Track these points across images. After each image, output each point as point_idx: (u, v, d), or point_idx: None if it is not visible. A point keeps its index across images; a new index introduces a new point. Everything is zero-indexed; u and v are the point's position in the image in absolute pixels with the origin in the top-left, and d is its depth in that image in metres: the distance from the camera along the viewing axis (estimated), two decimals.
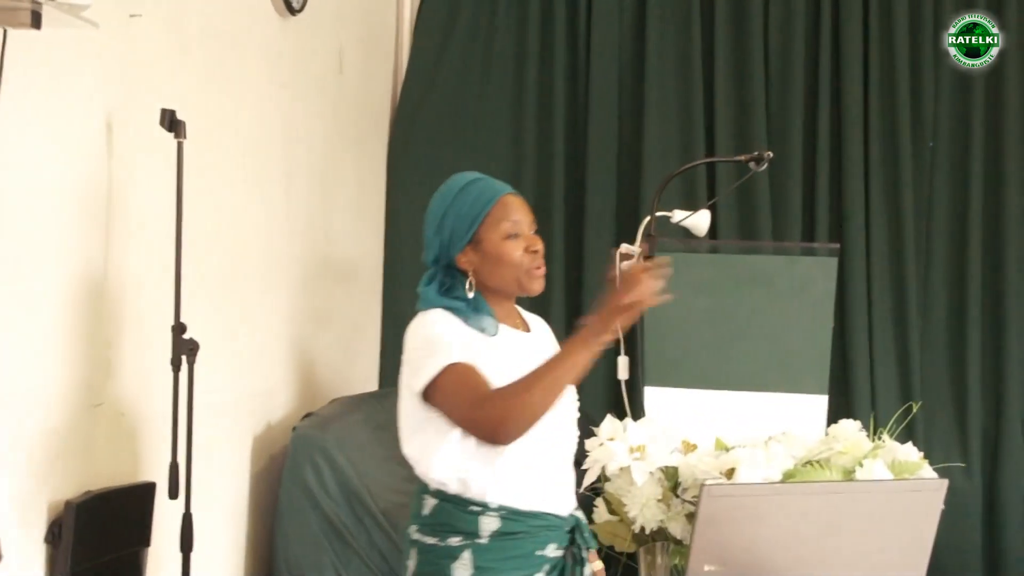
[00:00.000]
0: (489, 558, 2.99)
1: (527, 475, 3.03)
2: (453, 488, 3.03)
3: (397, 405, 3.19)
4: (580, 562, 3.10)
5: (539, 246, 3.12)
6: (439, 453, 3.04)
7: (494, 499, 3.00)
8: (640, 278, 2.88)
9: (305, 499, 4.96)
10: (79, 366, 3.94)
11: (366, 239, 6.46)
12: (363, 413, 5.38)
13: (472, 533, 3.00)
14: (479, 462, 3.01)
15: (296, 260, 5.63)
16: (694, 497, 4.22)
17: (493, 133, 6.61)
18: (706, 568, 2.18)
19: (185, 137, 3.92)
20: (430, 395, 3.00)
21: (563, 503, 3.11)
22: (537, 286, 3.12)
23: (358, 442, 5.11)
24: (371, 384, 6.36)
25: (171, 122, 3.88)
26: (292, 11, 5.37)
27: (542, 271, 3.11)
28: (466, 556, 2.99)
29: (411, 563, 3.16)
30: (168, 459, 3.97)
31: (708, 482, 3.11)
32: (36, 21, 3.16)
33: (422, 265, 6.19)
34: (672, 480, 4.37)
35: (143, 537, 4.11)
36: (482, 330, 3.06)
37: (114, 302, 4.10)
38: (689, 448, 4.44)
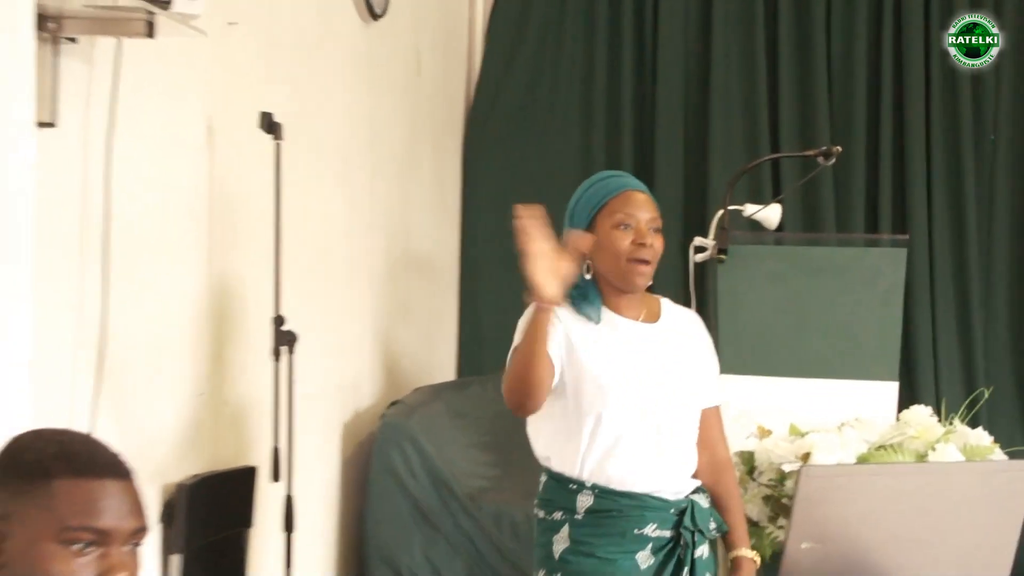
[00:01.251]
0: (584, 533, 3.02)
1: (619, 457, 3.05)
2: (555, 467, 3.09)
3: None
4: (690, 545, 3.07)
5: (649, 241, 3.06)
6: (540, 433, 3.12)
7: (588, 478, 3.04)
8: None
9: (393, 483, 5.05)
10: (186, 358, 4.05)
11: (443, 234, 6.54)
12: (444, 402, 5.46)
13: (570, 509, 3.04)
14: (567, 442, 3.06)
15: (379, 255, 5.72)
16: (770, 480, 4.29)
17: (563, 130, 6.65)
18: (803, 545, 2.23)
19: (282, 139, 4.01)
20: None
21: (667, 485, 3.08)
22: (637, 280, 3.08)
23: (441, 429, 5.19)
24: (449, 374, 6.45)
25: (269, 124, 3.97)
26: (374, 16, 5.48)
27: (644, 268, 3.06)
28: (565, 530, 3.04)
29: (535, 535, 3.18)
30: (267, 444, 4.08)
31: (807, 465, 3.13)
32: (150, 31, 3.27)
33: (496, 258, 6.33)
34: (748, 464, 4.43)
35: (246, 518, 4.21)
36: (587, 317, 3.08)
37: (217, 296, 4.21)
38: (764, 433, 4.49)
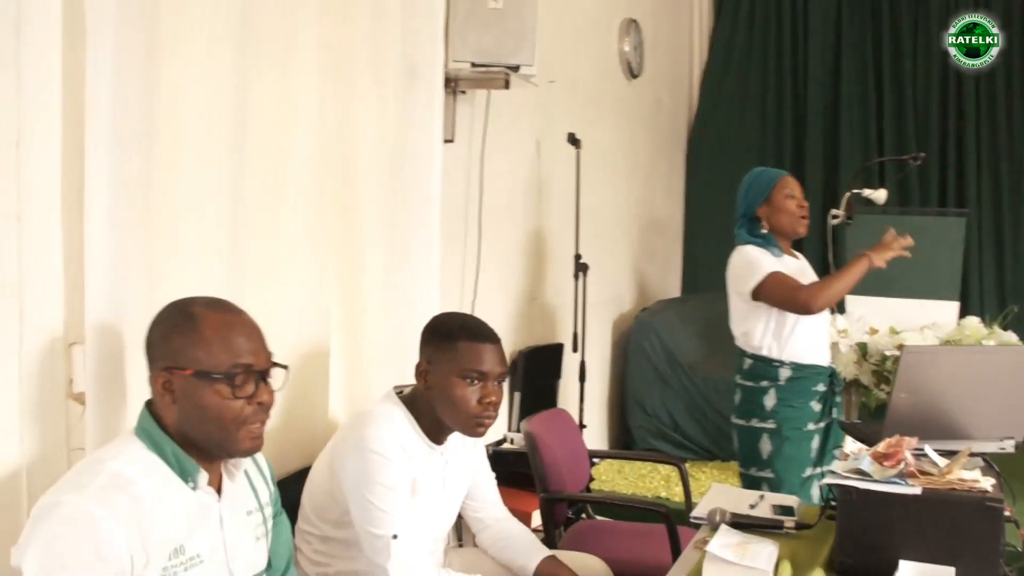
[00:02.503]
0: (785, 392, 2.95)
1: (806, 342, 2.97)
2: (764, 352, 2.97)
3: (728, 303, 3.09)
4: (834, 395, 3.03)
5: (806, 206, 3.03)
6: (753, 329, 2.98)
7: (787, 358, 2.95)
8: (890, 242, 2.93)
9: (642, 357, 5.06)
10: (524, 278, 4.19)
11: (672, 208, 6.47)
12: (674, 309, 5.41)
13: (775, 378, 2.95)
14: (777, 336, 2.96)
15: (635, 220, 5.72)
16: (876, 361, 4.18)
17: (745, 142, 6.47)
18: (902, 395, 2.18)
19: (580, 149, 4.08)
20: (758, 293, 2.90)
21: (825, 357, 3.03)
22: (800, 230, 3.02)
23: (672, 325, 5.16)
24: (676, 292, 6.40)
25: (573, 140, 4.05)
26: (633, 76, 5.47)
27: (807, 221, 3.02)
28: (772, 392, 2.96)
29: (737, 398, 3.05)
30: (569, 330, 4.17)
31: (907, 344, 3.05)
32: (507, 84, 3.38)
33: (705, 223, 6.28)
34: (863, 350, 4.32)
35: (557, 372, 4.32)
36: (774, 255, 2.97)
37: (541, 242, 4.33)
38: (873, 331, 4.36)
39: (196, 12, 2.02)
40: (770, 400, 2.97)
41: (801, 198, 3.04)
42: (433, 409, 2.09)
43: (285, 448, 2.38)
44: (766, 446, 2.98)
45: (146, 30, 1.87)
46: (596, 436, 4.99)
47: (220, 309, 1.55)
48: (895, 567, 1.78)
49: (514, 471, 3.30)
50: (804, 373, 2.97)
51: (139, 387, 1.82)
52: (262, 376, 1.53)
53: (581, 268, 4.10)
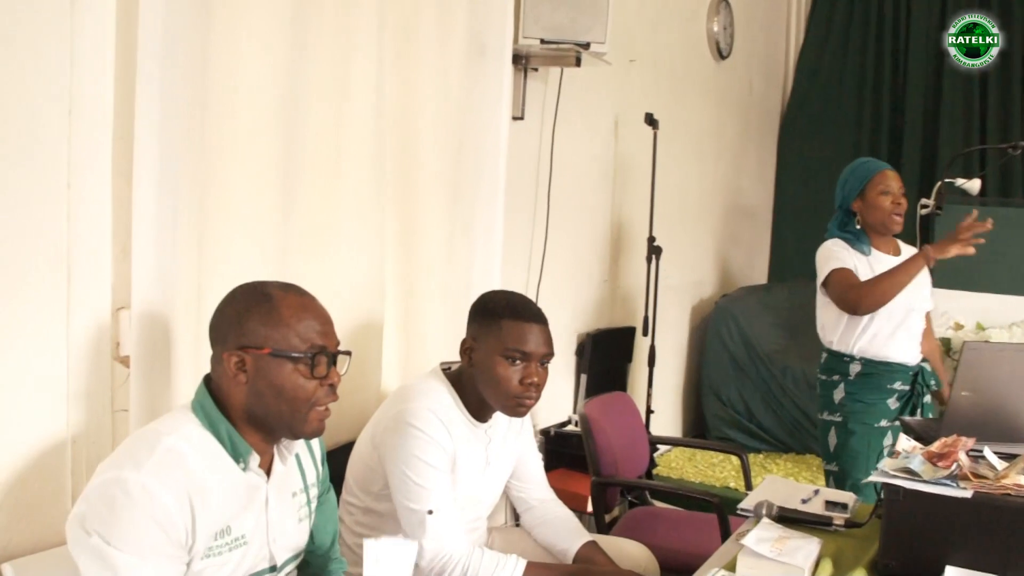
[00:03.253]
0: (854, 387, 2.89)
1: (883, 338, 2.87)
2: (835, 346, 2.91)
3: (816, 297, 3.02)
4: (919, 395, 2.92)
5: (903, 203, 2.91)
6: (828, 323, 2.93)
7: (858, 353, 2.88)
8: (957, 235, 2.75)
9: (720, 345, 4.97)
10: (595, 261, 4.15)
11: (761, 192, 6.31)
12: (756, 296, 5.30)
13: (845, 373, 2.90)
14: (849, 330, 2.88)
15: (720, 204, 5.60)
16: (956, 355, 4.02)
17: (838, 125, 6.24)
18: (963, 393, 2.08)
19: (658, 129, 4.00)
20: (825, 287, 2.88)
21: (909, 355, 2.91)
22: (894, 228, 2.92)
23: (753, 313, 5.06)
24: (762, 279, 6.26)
25: (651, 120, 3.97)
26: (722, 57, 5.34)
27: (901, 219, 2.91)
28: (841, 386, 2.90)
29: (818, 391, 3.01)
30: (641, 314, 4.10)
31: (967, 340, 2.91)
32: (577, 62, 3.33)
33: (796, 207, 6.10)
34: (947, 346, 4.17)
35: (628, 356, 4.28)
36: (861, 252, 2.89)
37: (615, 225, 4.27)
38: (958, 327, 4.20)
39: None
40: (839, 394, 2.93)
41: (898, 194, 2.92)
42: (477, 387, 2.08)
43: (335, 420, 2.34)
44: (832, 439, 2.94)
45: None
46: (668, 422, 4.92)
47: (295, 292, 1.57)
48: (941, 573, 1.69)
49: (577, 453, 3.28)
50: (876, 370, 2.89)
51: (184, 352, 1.87)
52: (333, 359, 1.56)
53: (654, 251, 4.01)
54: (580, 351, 3.94)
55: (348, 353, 1.62)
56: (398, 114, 2.58)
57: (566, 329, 3.86)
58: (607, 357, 4.08)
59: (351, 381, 2.46)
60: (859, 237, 2.92)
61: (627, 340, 4.23)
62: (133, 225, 1.78)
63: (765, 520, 2.00)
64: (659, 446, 4.12)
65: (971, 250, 2.76)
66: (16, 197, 1.64)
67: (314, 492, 1.71)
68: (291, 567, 1.64)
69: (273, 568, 1.58)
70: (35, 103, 1.65)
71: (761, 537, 1.86)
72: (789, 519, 2.05)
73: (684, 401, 5.19)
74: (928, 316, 3.07)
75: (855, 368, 2.90)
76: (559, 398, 3.85)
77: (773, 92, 6.37)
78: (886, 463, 1.85)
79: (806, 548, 1.83)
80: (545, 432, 3.66)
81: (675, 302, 4.89)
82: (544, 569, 2.08)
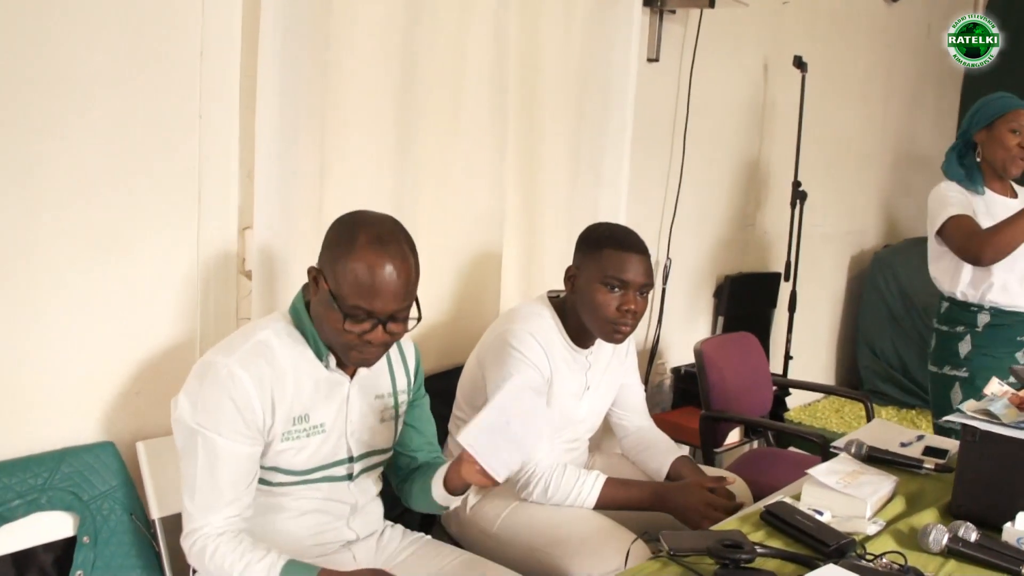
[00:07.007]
0: (982, 340, 2.73)
1: (1009, 286, 2.71)
2: (960, 296, 2.76)
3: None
4: None
5: None
6: (949, 272, 2.77)
7: (987, 303, 2.72)
8: None
9: (877, 296, 4.80)
10: (739, 204, 4.06)
11: (939, 142, 5.85)
12: (918, 249, 4.91)
13: (972, 324, 2.74)
14: (977, 279, 2.72)
15: (890, 152, 5.30)
16: None
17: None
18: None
19: (807, 72, 3.86)
20: (941, 235, 2.70)
21: None
22: (1016, 171, 2.72)
23: (914, 265, 4.80)
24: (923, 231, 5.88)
25: (799, 63, 3.83)
26: (894, 0, 5.04)
27: (1021, 163, 2.71)
28: (967, 338, 2.75)
29: (932, 343, 2.87)
30: (783, 259, 3.97)
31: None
32: (711, 3, 3.24)
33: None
34: None
35: (772, 301, 4.19)
36: (975, 191, 2.72)
37: (764, 166, 4.15)
38: None
39: None
40: (965, 346, 2.75)
41: None
42: (578, 313, 2.13)
43: (454, 341, 2.54)
44: (957, 395, 2.77)
45: None
46: (817, 370, 4.80)
47: (379, 246, 1.53)
48: (1014, 517, 1.64)
49: None
50: (1007, 320, 2.72)
51: (300, 269, 2.03)
52: (381, 321, 1.56)
53: (799, 196, 3.89)
54: (718, 292, 3.90)
55: (417, 319, 1.61)
56: (520, 51, 2.62)
57: (702, 270, 3.83)
58: (748, 301, 4.02)
59: (468, 306, 2.60)
60: (972, 175, 2.73)
61: (772, 285, 4.14)
62: (256, 154, 1.95)
63: (844, 455, 1.97)
64: (792, 391, 4.03)
65: None
66: (156, 127, 1.84)
67: (403, 398, 1.81)
68: (369, 462, 1.76)
69: (351, 459, 1.72)
70: (171, 48, 1.84)
71: (832, 469, 1.85)
72: (878, 459, 2.02)
73: (838, 352, 5.03)
74: None
75: (983, 319, 2.73)
76: (694, 338, 3.83)
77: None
78: (968, 405, 1.79)
79: (876, 484, 1.80)
80: (676, 371, 3.67)
81: (830, 251, 4.73)
82: (624, 484, 2.14)
